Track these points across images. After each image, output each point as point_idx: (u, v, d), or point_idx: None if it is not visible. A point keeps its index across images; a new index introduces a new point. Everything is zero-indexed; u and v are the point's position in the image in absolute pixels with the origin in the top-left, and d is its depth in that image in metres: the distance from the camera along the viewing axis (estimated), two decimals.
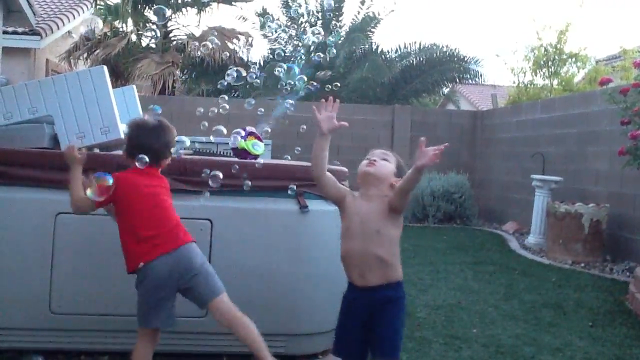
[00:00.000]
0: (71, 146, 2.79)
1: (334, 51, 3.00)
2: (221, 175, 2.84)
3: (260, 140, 3.71)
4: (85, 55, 12.72)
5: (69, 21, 13.17)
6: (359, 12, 14.79)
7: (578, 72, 12.45)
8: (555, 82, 12.14)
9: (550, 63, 12.09)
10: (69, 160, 2.72)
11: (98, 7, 13.18)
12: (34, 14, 8.50)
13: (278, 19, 14.77)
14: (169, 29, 13.83)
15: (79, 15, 13.67)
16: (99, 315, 3.12)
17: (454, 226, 9.73)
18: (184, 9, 13.78)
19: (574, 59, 12.13)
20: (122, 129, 3.52)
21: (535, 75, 12.38)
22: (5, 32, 7.33)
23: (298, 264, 3.27)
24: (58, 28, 12.55)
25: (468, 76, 14.12)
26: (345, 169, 3.60)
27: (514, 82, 12.72)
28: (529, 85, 12.41)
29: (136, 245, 2.63)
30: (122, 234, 2.68)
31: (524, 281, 5.65)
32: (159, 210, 2.68)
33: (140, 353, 2.63)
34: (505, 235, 8.72)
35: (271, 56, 14.49)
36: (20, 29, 10.94)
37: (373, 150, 2.64)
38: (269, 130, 3.36)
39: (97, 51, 12.54)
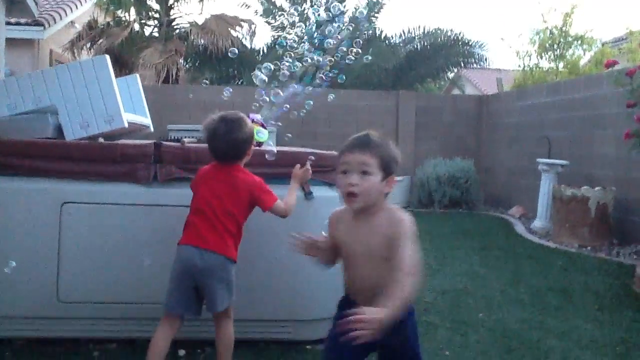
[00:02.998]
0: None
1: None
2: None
3: (265, 128, 3.70)
4: (88, 45, 12.70)
5: (72, 11, 13.15)
6: None
7: (584, 54, 12.36)
8: (560, 65, 12.05)
9: (555, 46, 11.99)
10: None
11: None
12: (36, 4, 8.49)
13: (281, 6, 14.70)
14: (172, 17, 13.77)
15: (81, 5, 13.64)
16: (107, 303, 3.14)
17: (460, 211, 9.72)
18: None
19: (579, 42, 12.03)
20: (126, 118, 3.52)
21: (541, 58, 12.29)
22: (8, 23, 7.32)
23: None
24: (61, 18, 12.53)
25: (473, 60, 14.01)
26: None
27: (519, 66, 12.64)
28: (534, 69, 12.32)
29: (187, 221, 2.77)
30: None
31: (530, 266, 5.64)
32: (213, 208, 2.70)
33: (157, 335, 2.68)
34: (511, 220, 8.70)
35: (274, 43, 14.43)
36: (23, 20, 10.92)
37: (346, 157, 2.07)
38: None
39: (100, 41, 12.51)
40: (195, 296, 2.72)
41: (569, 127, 8.42)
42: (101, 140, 3.54)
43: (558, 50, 11.99)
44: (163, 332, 2.69)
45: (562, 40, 11.92)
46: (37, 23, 11.43)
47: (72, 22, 13.25)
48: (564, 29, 11.92)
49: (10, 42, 8.57)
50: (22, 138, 3.27)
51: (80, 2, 13.65)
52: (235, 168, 2.79)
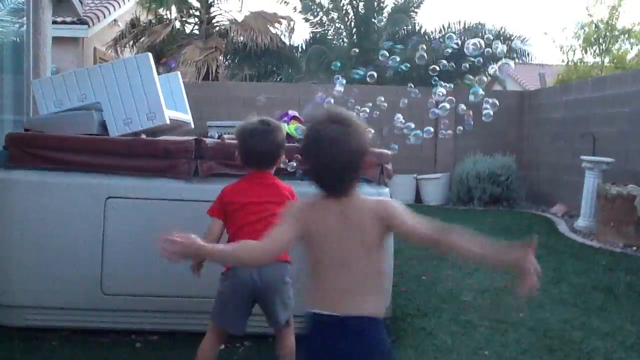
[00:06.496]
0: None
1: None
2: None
3: (303, 124, 3.72)
4: (131, 42, 12.95)
5: (115, 10, 13.41)
6: None
7: (631, 48, 12.05)
8: (606, 59, 11.75)
9: (601, 40, 11.70)
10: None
11: None
12: (81, 3, 8.69)
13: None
14: (212, 14, 13.93)
15: (124, 3, 13.90)
16: (149, 296, 3.21)
17: (500, 209, 9.57)
18: None
19: (626, 35, 11.71)
20: (168, 115, 3.58)
21: (586, 53, 12.03)
22: (54, 22, 7.52)
23: None
24: (104, 17, 12.79)
25: (515, 55, 13.76)
26: (389, 152, 3.59)
27: (563, 61, 12.41)
28: (578, 64, 12.05)
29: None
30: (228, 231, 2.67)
31: (573, 265, 5.52)
32: (260, 222, 2.54)
33: (205, 345, 2.62)
34: (553, 218, 8.52)
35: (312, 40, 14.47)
36: (68, 19, 11.19)
37: None
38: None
39: (143, 39, 12.74)
40: (248, 313, 2.65)
41: (615, 123, 8.19)
42: (143, 136, 3.61)
43: (604, 44, 11.70)
44: (211, 343, 2.63)
45: (608, 34, 11.63)
46: (82, 21, 11.69)
47: (115, 21, 13.52)
48: (610, 22, 11.62)
49: (56, 40, 8.80)
50: (68, 134, 3.37)
51: (123, 1, 13.91)
52: (271, 176, 2.69)
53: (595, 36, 11.68)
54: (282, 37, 13.90)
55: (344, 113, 1.86)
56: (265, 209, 2.58)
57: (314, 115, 1.95)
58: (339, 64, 3.49)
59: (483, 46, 2.95)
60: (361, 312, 1.76)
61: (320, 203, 1.84)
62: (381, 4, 14.39)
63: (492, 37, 3.00)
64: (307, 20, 15.07)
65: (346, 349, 1.74)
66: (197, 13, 13.99)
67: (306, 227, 1.82)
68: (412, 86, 3.46)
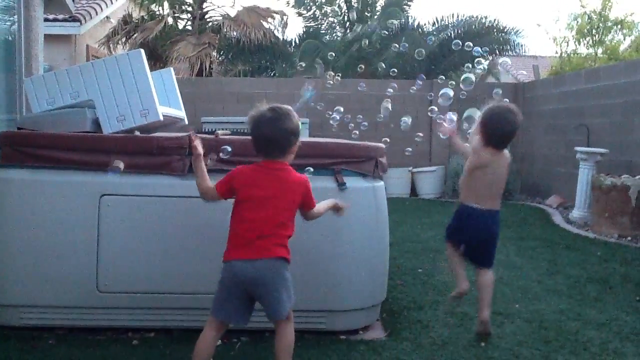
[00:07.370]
0: (192, 138, 2.74)
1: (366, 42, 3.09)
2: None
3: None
4: (123, 39, 12.90)
5: (107, 6, 13.35)
6: None
7: (624, 39, 12.07)
8: (599, 50, 11.77)
9: (594, 31, 11.71)
10: (193, 152, 2.72)
11: None
12: (73, 0, 8.64)
13: None
14: (205, 10, 13.89)
15: (116, 0, 13.84)
16: (145, 293, 3.21)
17: None
18: None
19: (619, 26, 11.73)
20: (161, 111, 3.57)
21: (579, 44, 12.05)
22: (46, 20, 7.48)
23: (337, 240, 3.28)
24: (97, 13, 12.73)
25: (508, 48, 13.76)
26: (382, 145, 3.59)
27: (557, 52, 12.42)
28: (572, 55, 12.06)
29: (231, 237, 2.62)
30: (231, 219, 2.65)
31: (568, 256, 5.54)
32: (262, 217, 2.57)
33: (204, 338, 2.62)
34: (548, 210, 8.55)
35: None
36: (60, 16, 11.13)
37: None
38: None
39: (135, 35, 12.70)
40: (244, 305, 2.64)
41: (609, 114, 8.21)
42: (137, 133, 3.60)
43: (597, 35, 11.72)
44: (209, 339, 2.62)
45: (601, 25, 11.65)
46: (74, 19, 11.63)
47: (107, 17, 13.46)
48: (603, 13, 11.64)
49: (49, 38, 8.74)
50: (61, 132, 3.35)
51: None
52: (282, 166, 2.64)
53: (588, 27, 11.70)
54: (276, 32, 13.90)
55: (513, 105, 3.49)
56: (269, 204, 2.57)
57: (496, 105, 3.47)
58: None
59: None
60: (491, 207, 3.50)
61: (490, 152, 3.42)
62: None
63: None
64: (300, 14, 15.05)
65: (480, 223, 3.51)
66: (190, 9, 13.95)
67: (479, 158, 3.44)
68: (391, 94, 3.90)
